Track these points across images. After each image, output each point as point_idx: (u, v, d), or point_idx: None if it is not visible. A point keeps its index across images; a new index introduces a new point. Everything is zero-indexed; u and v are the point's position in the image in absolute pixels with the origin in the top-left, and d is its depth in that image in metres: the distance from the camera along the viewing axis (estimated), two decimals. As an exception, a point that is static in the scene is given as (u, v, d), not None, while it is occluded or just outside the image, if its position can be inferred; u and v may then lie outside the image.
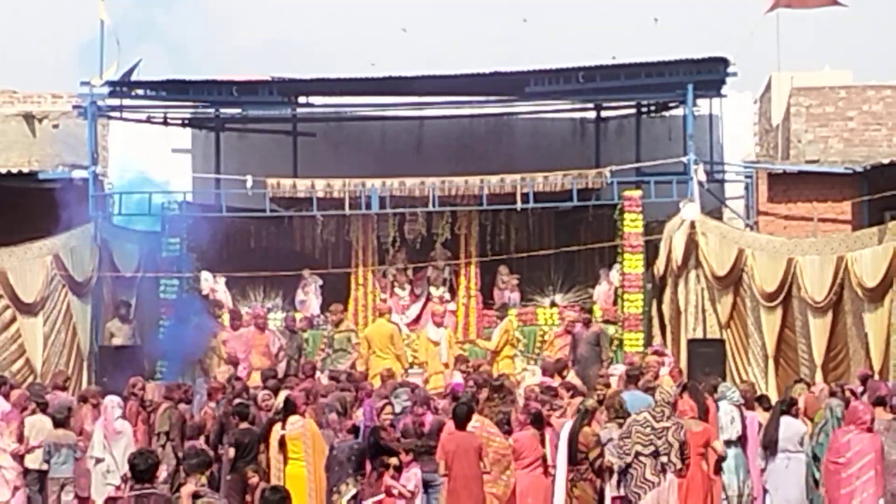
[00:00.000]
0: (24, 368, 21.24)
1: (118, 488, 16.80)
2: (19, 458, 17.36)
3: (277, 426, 16.54)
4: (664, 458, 14.62)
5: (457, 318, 24.15)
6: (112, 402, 17.58)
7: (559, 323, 23.52)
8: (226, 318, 23.35)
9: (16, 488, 17.33)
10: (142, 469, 11.04)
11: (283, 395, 17.97)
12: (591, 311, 22.82)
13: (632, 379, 18.01)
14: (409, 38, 33.65)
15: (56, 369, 21.00)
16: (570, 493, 15.31)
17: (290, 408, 16.60)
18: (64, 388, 19.08)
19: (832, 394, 17.90)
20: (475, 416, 15.28)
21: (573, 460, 15.28)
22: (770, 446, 16.79)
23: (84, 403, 18.24)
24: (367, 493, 15.56)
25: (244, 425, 16.66)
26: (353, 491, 15.61)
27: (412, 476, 15.21)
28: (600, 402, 16.49)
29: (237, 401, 17.70)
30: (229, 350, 22.10)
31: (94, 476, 17.26)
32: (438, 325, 23.21)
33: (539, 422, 15.71)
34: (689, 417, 15.49)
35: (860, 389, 18.16)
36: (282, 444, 16.28)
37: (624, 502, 14.95)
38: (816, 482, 16.75)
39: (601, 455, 15.26)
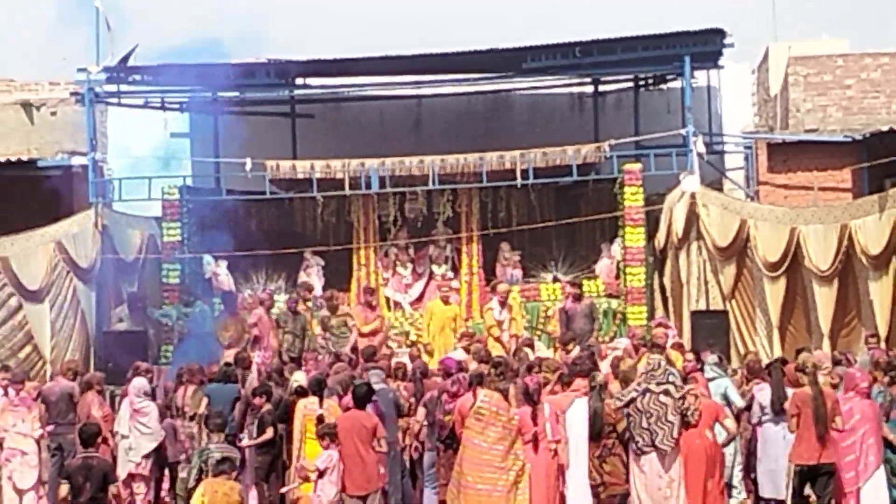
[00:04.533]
0: (33, 355, 21.27)
1: (138, 465, 17.31)
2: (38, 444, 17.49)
3: (301, 403, 16.68)
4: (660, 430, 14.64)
5: (460, 296, 24.14)
6: (136, 385, 17.62)
7: (562, 298, 23.50)
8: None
9: (39, 474, 17.42)
10: (86, 437, 13.33)
11: (299, 375, 18.29)
12: (580, 286, 22.60)
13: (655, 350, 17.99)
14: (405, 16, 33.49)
15: (66, 355, 21.07)
16: (599, 469, 15.18)
17: (321, 388, 16.78)
18: (74, 377, 18.91)
19: (836, 362, 17.91)
20: (484, 391, 15.22)
21: (598, 436, 15.22)
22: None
23: (89, 390, 18.18)
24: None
25: (268, 406, 16.91)
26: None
27: (326, 456, 15.05)
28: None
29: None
30: (258, 333, 21.94)
31: (119, 452, 17.42)
32: (503, 304, 22.34)
33: (528, 396, 15.64)
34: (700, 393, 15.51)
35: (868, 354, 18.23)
36: (320, 421, 16.23)
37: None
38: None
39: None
